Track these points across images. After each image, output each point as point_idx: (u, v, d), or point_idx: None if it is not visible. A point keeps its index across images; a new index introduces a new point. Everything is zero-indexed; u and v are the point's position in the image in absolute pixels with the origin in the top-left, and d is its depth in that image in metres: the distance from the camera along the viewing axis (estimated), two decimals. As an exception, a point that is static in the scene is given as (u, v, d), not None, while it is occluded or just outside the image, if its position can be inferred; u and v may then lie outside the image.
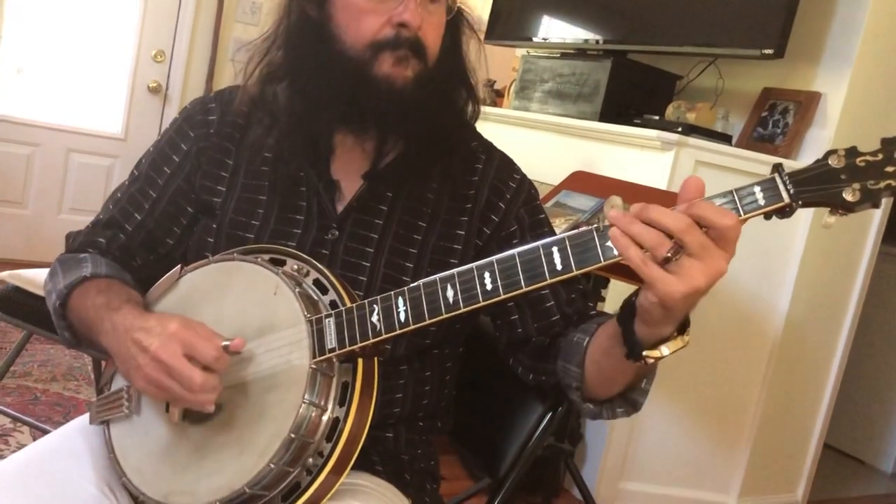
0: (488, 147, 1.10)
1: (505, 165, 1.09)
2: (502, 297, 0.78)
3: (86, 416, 1.01)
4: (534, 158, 2.04)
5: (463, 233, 1.03)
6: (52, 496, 0.89)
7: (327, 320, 0.86)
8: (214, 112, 1.07)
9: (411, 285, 0.83)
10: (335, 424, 0.84)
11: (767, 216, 0.73)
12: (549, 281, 0.76)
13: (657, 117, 2.44)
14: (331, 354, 0.85)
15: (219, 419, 0.88)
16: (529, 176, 1.11)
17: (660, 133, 2.24)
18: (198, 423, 0.89)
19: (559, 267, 0.76)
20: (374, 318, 0.84)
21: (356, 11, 0.94)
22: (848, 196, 0.71)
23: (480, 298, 0.79)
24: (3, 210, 3.81)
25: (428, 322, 0.82)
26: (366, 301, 0.85)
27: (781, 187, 0.71)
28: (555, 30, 2.94)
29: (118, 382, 0.98)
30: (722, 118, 2.46)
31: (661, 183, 2.21)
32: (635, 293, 0.79)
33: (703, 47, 2.41)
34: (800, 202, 0.71)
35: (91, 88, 3.89)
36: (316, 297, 0.90)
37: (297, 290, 0.88)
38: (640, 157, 2.34)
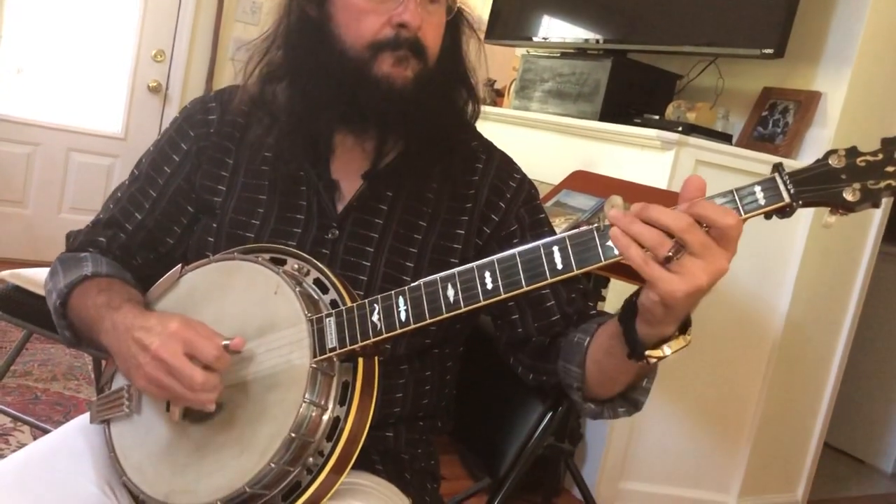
0: (488, 147, 1.10)
1: (505, 165, 1.09)
2: (503, 296, 0.78)
3: (86, 416, 1.01)
4: (534, 158, 2.04)
5: (463, 232, 1.03)
6: (52, 495, 0.90)
7: (328, 319, 0.86)
8: (214, 111, 1.07)
9: (412, 284, 0.83)
10: (336, 424, 0.84)
11: (768, 216, 0.73)
12: (549, 280, 0.76)
13: (657, 117, 2.44)
14: (331, 354, 0.85)
15: (219, 418, 0.88)
16: (529, 175, 1.11)
17: (660, 133, 2.24)
18: (198, 423, 0.89)
19: (560, 266, 0.76)
20: (375, 318, 0.84)
21: (356, 11, 0.94)
22: (848, 196, 0.71)
23: (481, 298, 0.79)
24: (3, 209, 3.81)
25: (428, 321, 0.82)
26: (366, 300, 0.85)
27: (782, 187, 0.71)
28: (555, 29, 2.94)
29: (118, 381, 0.98)
30: (722, 118, 2.46)
31: (661, 182, 2.21)
32: (636, 293, 0.79)
33: (704, 47, 2.41)
34: (800, 202, 0.71)
35: (91, 88, 3.88)
36: (316, 297, 0.90)
37: (297, 289, 0.88)
38: (640, 156, 2.33)
